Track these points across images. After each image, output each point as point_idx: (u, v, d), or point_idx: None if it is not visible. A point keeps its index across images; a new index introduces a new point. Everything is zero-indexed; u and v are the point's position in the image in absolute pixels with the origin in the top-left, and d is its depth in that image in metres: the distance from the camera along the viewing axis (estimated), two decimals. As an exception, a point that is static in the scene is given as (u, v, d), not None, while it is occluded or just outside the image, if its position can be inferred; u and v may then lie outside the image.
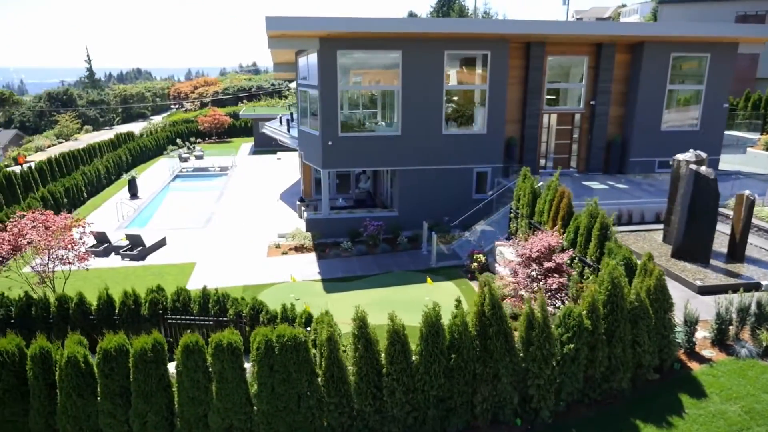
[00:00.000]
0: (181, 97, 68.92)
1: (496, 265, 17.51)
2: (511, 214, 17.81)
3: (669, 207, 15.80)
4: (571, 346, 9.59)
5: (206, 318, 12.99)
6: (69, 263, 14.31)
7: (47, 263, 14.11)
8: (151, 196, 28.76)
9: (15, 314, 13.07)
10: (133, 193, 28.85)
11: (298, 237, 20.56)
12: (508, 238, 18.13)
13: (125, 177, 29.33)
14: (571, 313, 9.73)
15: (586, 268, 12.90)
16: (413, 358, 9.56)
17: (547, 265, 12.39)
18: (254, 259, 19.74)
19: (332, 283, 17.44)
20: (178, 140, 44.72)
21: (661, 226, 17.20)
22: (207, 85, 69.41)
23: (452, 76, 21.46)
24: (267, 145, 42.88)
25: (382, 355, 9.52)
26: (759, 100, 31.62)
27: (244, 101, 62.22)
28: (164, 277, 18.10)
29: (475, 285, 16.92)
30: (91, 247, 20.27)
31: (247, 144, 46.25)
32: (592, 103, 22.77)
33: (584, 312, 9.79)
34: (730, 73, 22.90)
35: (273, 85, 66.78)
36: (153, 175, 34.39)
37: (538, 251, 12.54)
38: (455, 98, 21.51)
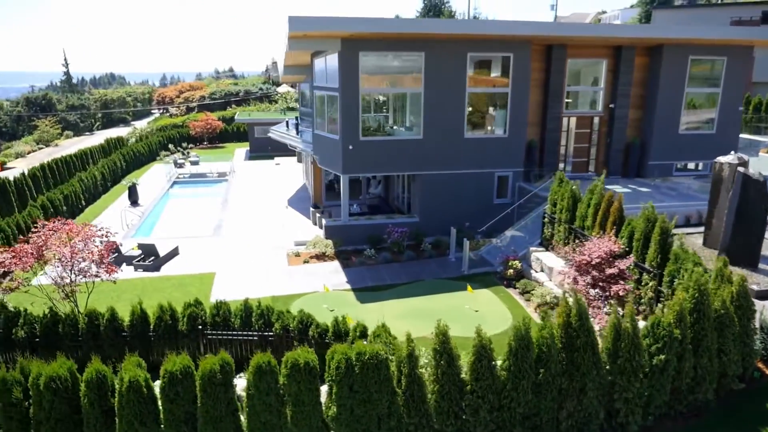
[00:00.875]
0: (165, 101, 67.37)
1: (532, 271, 17.07)
2: (545, 219, 17.39)
3: (710, 210, 15.56)
4: (662, 357, 9.14)
5: (249, 333, 12.23)
6: (96, 276, 13.39)
7: (71, 276, 13.17)
8: (153, 204, 27.70)
9: (40, 332, 12.13)
10: (134, 201, 27.75)
11: (319, 245, 19.85)
12: (541, 244, 17.73)
13: (125, 183, 28.22)
14: (660, 323, 9.28)
15: (644, 274, 12.51)
16: (500, 373, 8.98)
17: (609, 271, 11.94)
18: (276, 268, 18.97)
19: (363, 292, 16.78)
20: (170, 145, 43.49)
21: (697, 230, 17.02)
22: (192, 89, 67.99)
23: (473, 78, 20.99)
24: (263, 151, 42.01)
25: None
26: (760, 104, 31.99)
27: (233, 105, 61.04)
28: (185, 289, 17.22)
29: (512, 292, 16.44)
30: (102, 257, 19.23)
31: (241, 149, 45.23)
32: (611, 106, 22.58)
33: (672, 321, 9.35)
34: (745, 76, 22.95)
35: (261, 89, 65.73)
36: (149, 181, 33.22)
37: (598, 257, 12.09)
38: (477, 101, 21.07)
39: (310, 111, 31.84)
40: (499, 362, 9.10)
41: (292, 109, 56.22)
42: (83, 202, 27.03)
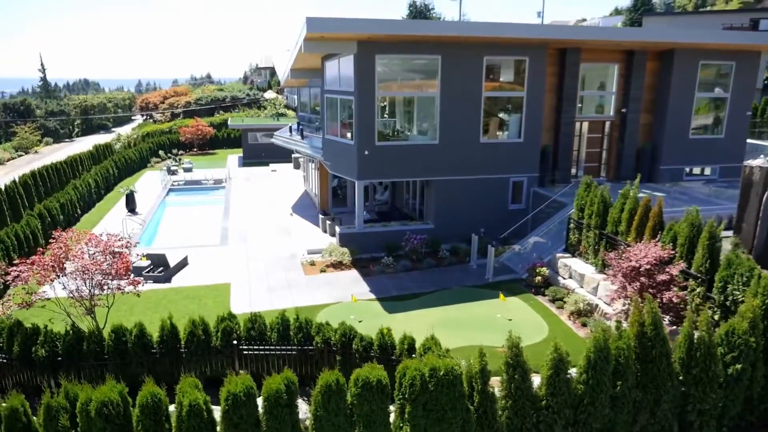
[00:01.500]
0: (150, 107, 65.94)
1: (559, 278, 16.77)
2: (570, 225, 17.13)
3: (740, 214, 15.40)
4: (738, 366, 8.84)
5: (288, 347, 11.63)
6: (118, 289, 12.63)
7: (91, 289, 12.39)
8: (152, 212, 26.78)
9: (62, 351, 11.35)
10: (131, 209, 26.78)
11: (336, 253, 19.27)
12: (566, 250, 17.45)
13: (121, 191, 27.24)
14: (735, 330, 8.98)
15: (690, 280, 12.24)
16: (576, 387, 8.56)
17: (660, 278, 11.66)
18: (292, 277, 18.33)
19: (389, 302, 16.26)
20: (161, 152, 42.41)
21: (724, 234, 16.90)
22: (177, 95, 66.68)
23: (489, 82, 20.69)
24: (257, 157, 41.24)
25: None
26: (755, 109, 32.40)
27: (220, 112, 59.97)
28: (200, 301, 16.48)
29: (542, 300, 16.09)
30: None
31: (233, 155, 44.35)
32: (623, 110, 22.52)
33: (747, 328, 9.07)
34: (754, 82, 23.14)
35: (248, 95, 64.79)
36: (143, 188, 32.16)
37: (648, 264, 11.80)
38: (492, 105, 20.78)
39: (310, 116, 31.34)
40: (573, 374, 8.69)
41: (282, 114, 55.55)
42: (79, 211, 25.99)
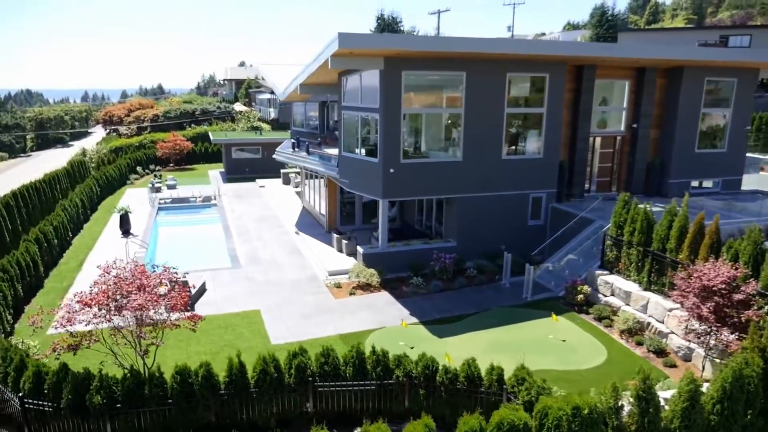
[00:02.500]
0: (114, 121, 63.23)
1: (600, 295, 16.70)
2: (608, 242, 17.11)
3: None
4: None
5: (366, 383, 10.98)
6: (175, 325, 11.65)
7: (139, 328, 11.37)
8: (148, 233, 25.38)
9: (122, 396, 10.34)
10: (126, 230, 25.30)
11: (364, 274, 18.64)
12: (601, 267, 17.41)
13: (115, 211, 25.68)
14: None
15: (759, 299, 12.31)
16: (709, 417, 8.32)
17: (737, 297, 11.65)
18: (322, 301, 17.59)
19: (434, 325, 15.77)
20: (138, 168, 40.55)
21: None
22: (143, 107, 64.23)
23: (512, 98, 20.62)
24: (241, 172, 40.03)
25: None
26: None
27: (192, 125, 58.10)
28: (235, 330, 15.54)
29: (587, 318, 15.96)
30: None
31: (213, 171, 42.87)
32: (634, 126, 22.90)
33: None
34: (752, 97, 23.99)
35: (219, 108, 63.12)
36: (130, 207, 30.54)
37: (721, 282, 11.78)
38: (514, 122, 20.70)
39: (308, 131, 30.61)
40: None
41: (256, 128, 54.34)
42: (70, 234, 24.34)
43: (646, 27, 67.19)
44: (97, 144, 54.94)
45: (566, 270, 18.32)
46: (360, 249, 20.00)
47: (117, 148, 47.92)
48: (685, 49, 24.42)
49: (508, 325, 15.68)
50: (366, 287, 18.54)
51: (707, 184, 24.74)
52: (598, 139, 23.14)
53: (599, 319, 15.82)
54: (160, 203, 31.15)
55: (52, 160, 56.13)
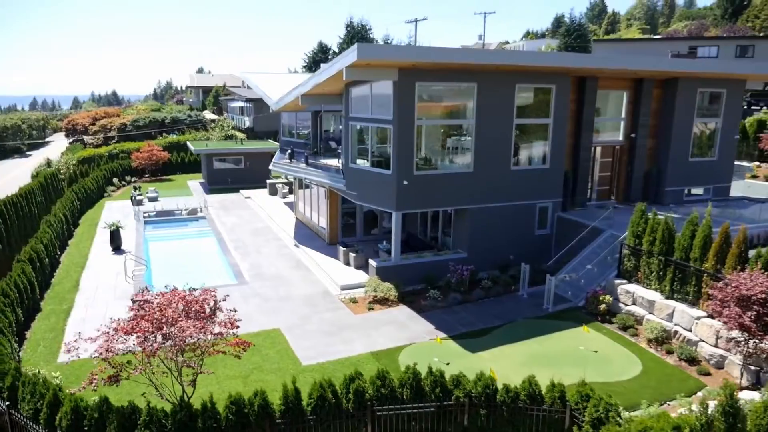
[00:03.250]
0: (78, 130, 60.74)
1: (620, 304, 16.89)
2: (626, 251, 17.33)
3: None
4: None
5: (424, 405, 10.70)
6: (221, 352, 11.08)
7: (184, 356, 10.76)
8: (140, 249, 24.34)
9: (174, 431, 9.74)
10: (117, 246, 24.17)
11: (381, 288, 18.31)
12: (618, 276, 17.61)
13: (105, 227, 24.45)
14: None
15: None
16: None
17: (778, 306, 11.92)
18: (342, 318, 17.19)
19: (463, 339, 15.59)
20: (115, 180, 38.98)
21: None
22: (108, 116, 61.97)
23: (520, 109, 20.74)
24: (223, 183, 39.05)
25: None
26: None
27: (163, 135, 56.38)
28: (261, 352, 14.95)
29: (611, 328, 16.10)
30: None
31: (193, 181, 41.64)
32: (632, 135, 23.41)
33: None
34: (740, 107, 24.90)
35: (190, 116, 61.51)
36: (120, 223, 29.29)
37: (761, 292, 12.04)
38: (521, 132, 20.81)
39: (296, 141, 30.09)
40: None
41: (230, 137, 53.27)
42: (57, 251, 23.10)
43: (613, 38, 69.34)
44: (63, 154, 52.67)
45: (582, 279, 18.47)
46: (373, 262, 19.67)
47: (85, 159, 46.01)
48: (687, 62, 25.18)
49: (537, 337, 15.65)
50: (383, 301, 18.22)
51: (697, 191, 25.48)
52: (599, 149, 23.54)
53: (624, 328, 15.98)
54: (144, 216, 29.99)
55: (13, 170, 53.53)
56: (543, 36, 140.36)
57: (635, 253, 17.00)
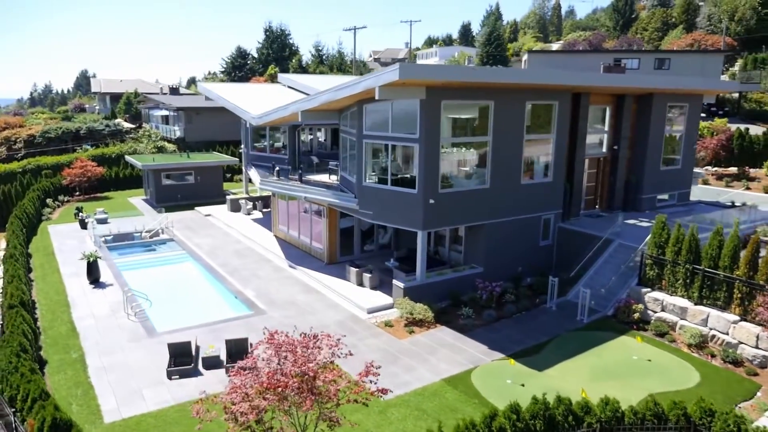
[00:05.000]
0: (-26, 142, 53.67)
1: (649, 312, 17.87)
2: (648, 261, 18.37)
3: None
4: None
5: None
6: (354, 401, 10.27)
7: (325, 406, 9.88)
8: (121, 280, 22.06)
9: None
10: (95, 279, 21.70)
11: (417, 310, 18.00)
12: (641, 284, 18.61)
13: (83, 257, 21.77)
14: None
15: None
16: None
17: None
18: (389, 344, 16.69)
19: (522, 358, 15.72)
20: (49, 200, 34.96)
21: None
22: (11, 127, 55.45)
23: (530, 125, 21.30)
24: (173, 199, 36.44)
25: None
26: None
27: (83, 147, 51.35)
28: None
29: (648, 335, 16.98)
30: (175, 367, 14.82)
31: (134, 199, 38.36)
32: (615, 148, 24.90)
33: None
34: (699, 119, 27.32)
35: (108, 126, 56.57)
36: (67, 249, 26.38)
37: (815, 298, 13.29)
38: (528, 148, 21.38)
39: (267, 156, 28.85)
40: None
41: (161, 148, 49.93)
42: (24, 287, 20.29)
43: (546, 50, 73.22)
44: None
45: (602, 289, 19.32)
46: (399, 283, 19.30)
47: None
48: (687, 79, 27.21)
49: (588, 350, 16.15)
50: (420, 323, 17.93)
51: (663, 196, 27.59)
52: (586, 161, 24.75)
53: (660, 335, 16.94)
54: (104, 242, 27.23)
55: None
56: (451, 43, 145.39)
57: (658, 262, 18.08)
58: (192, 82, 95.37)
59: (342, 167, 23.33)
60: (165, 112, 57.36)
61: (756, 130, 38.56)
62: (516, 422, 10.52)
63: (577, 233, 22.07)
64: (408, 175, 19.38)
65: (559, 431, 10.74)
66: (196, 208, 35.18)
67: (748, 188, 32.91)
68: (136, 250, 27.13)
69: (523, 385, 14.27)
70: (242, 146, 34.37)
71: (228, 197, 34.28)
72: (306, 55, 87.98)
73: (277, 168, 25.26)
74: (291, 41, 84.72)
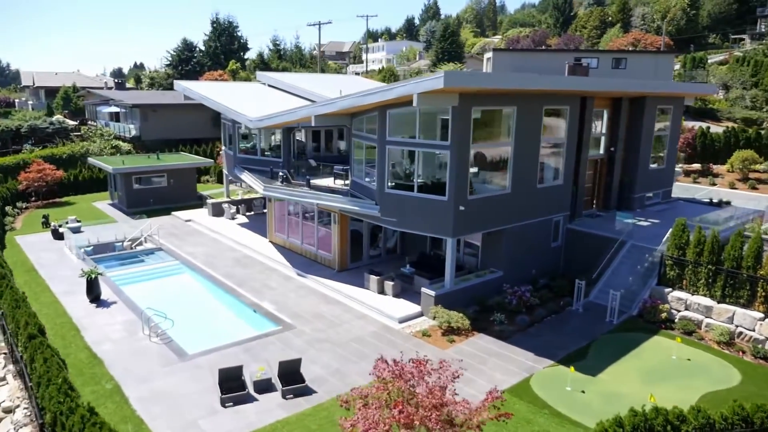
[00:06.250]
0: None
1: (673, 311, 18.61)
2: (668, 262, 19.13)
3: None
4: None
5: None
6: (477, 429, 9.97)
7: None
8: (119, 296, 20.60)
9: None
10: (96, 297, 20.12)
11: (454, 318, 17.91)
12: (660, 284, 19.36)
13: (83, 275, 20.07)
14: None
15: None
16: None
17: None
18: (435, 355, 16.25)
19: (571, 364, 15.89)
20: (8, 208, 32.04)
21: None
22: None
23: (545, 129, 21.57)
24: (144, 204, 34.44)
25: None
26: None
27: (26, 148, 47.41)
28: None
29: (677, 334, 17.69)
30: (227, 393, 13.99)
31: (100, 203, 35.86)
32: (611, 149, 25.73)
33: None
34: (681, 121, 28.70)
35: (52, 124, 52.55)
36: (47, 263, 24.37)
37: None
38: (545, 151, 21.71)
39: (258, 159, 27.84)
40: None
41: (116, 147, 47.16)
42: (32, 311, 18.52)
43: (510, 48, 74.62)
44: None
45: (622, 289, 19.93)
46: (429, 291, 19.13)
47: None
48: (688, 84, 28.16)
49: (629, 352, 16.64)
50: (456, 331, 17.86)
51: (648, 194, 28.83)
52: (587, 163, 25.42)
53: (687, 333, 17.71)
54: (85, 253, 25.33)
55: None
56: (394, 37, 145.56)
57: (679, 263, 18.87)
58: (137, 79, 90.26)
59: (354, 172, 22.81)
60: (115, 109, 54.10)
61: (716, 129, 41.06)
62: (628, 435, 10.65)
63: (587, 234, 22.67)
64: (436, 182, 19.19)
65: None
66: (173, 212, 33.41)
67: (713, 184, 35.01)
68: (126, 262, 25.43)
69: (583, 392, 14.54)
70: (223, 147, 32.94)
71: (209, 201, 32.77)
72: (255, 49, 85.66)
73: (281, 173, 24.32)
74: (239, 34, 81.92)
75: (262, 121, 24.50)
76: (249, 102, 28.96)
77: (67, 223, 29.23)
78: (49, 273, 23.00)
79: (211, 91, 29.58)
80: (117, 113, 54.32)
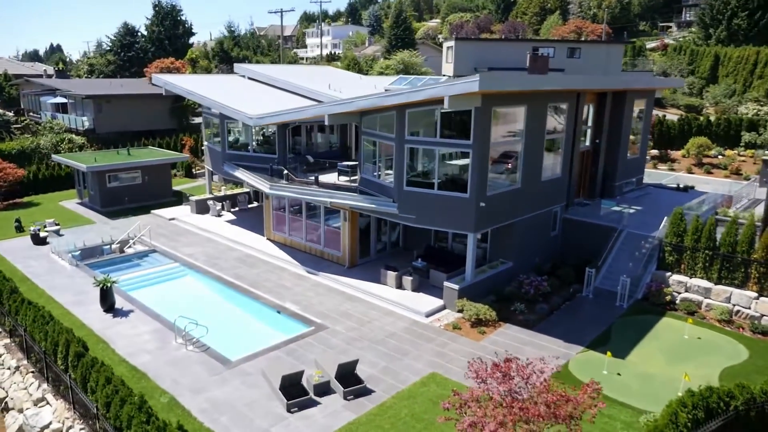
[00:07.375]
0: None
1: (674, 293, 20.27)
2: (667, 248, 20.75)
3: None
4: None
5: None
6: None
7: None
8: (136, 305, 20.03)
9: None
10: (110, 306, 19.44)
11: (482, 311, 18.74)
12: (660, 269, 20.98)
13: (96, 284, 19.23)
14: None
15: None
16: None
17: None
18: (471, 347, 17.29)
19: (600, 348, 17.17)
20: (-29, 212, 29.82)
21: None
22: None
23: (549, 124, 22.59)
24: (119, 203, 33.11)
25: None
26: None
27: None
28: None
29: (681, 314, 19.33)
30: (293, 401, 14.17)
31: (67, 203, 34.00)
32: (597, 141, 27.25)
33: None
34: (652, 113, 30.68)
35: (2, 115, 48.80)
36: (40, 272, 23.17)
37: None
38: (548, 146, 22.75)
39: (249, 155, 27.54)
40: None
41: (70, 141, 44.75)
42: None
43: (480, 38, 75.27)
44: None
45: (624, 275, 21.43)
46: (452, 285, 19.84)
47: None
48: (674, 80, 29.70)
49: (647, 334, 18.09)
50: (484, 323, 18.71)
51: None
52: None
53: (689, 313, 19.40)
54: (76, 259, 24.25)
55: None
56: (335, 20, 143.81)
57: (677, 249, 20.52)
58: (64, 64, 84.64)
59: (363, 169, 23.04)
60: (61, 100, 50.98)
61: (671, 116, 43.94)
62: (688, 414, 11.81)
63: (583, 223, 24.07)
64: (456, 179, 19.82)
65: (714, 417, 12.23)
66: (153, 211, 32.29)
67: (672, 169, 37.67)
68: (121, 266, 24.53)
69: (619, 374, 15.76)
70: (205, 142, 32.06)
71: (192, 198, 31.89)
72: (204, 35, 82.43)
73: (285, 171, 24.18)
74: (183, 18, 78.58)
75: (263, 119, 24.17)
76: (236, 96, 28.38)
77: (45, 226, 27.71)
78: (46, 283, 21.92)
79: (197, 86, 28.67)
80: (64, 104, 51.18)
